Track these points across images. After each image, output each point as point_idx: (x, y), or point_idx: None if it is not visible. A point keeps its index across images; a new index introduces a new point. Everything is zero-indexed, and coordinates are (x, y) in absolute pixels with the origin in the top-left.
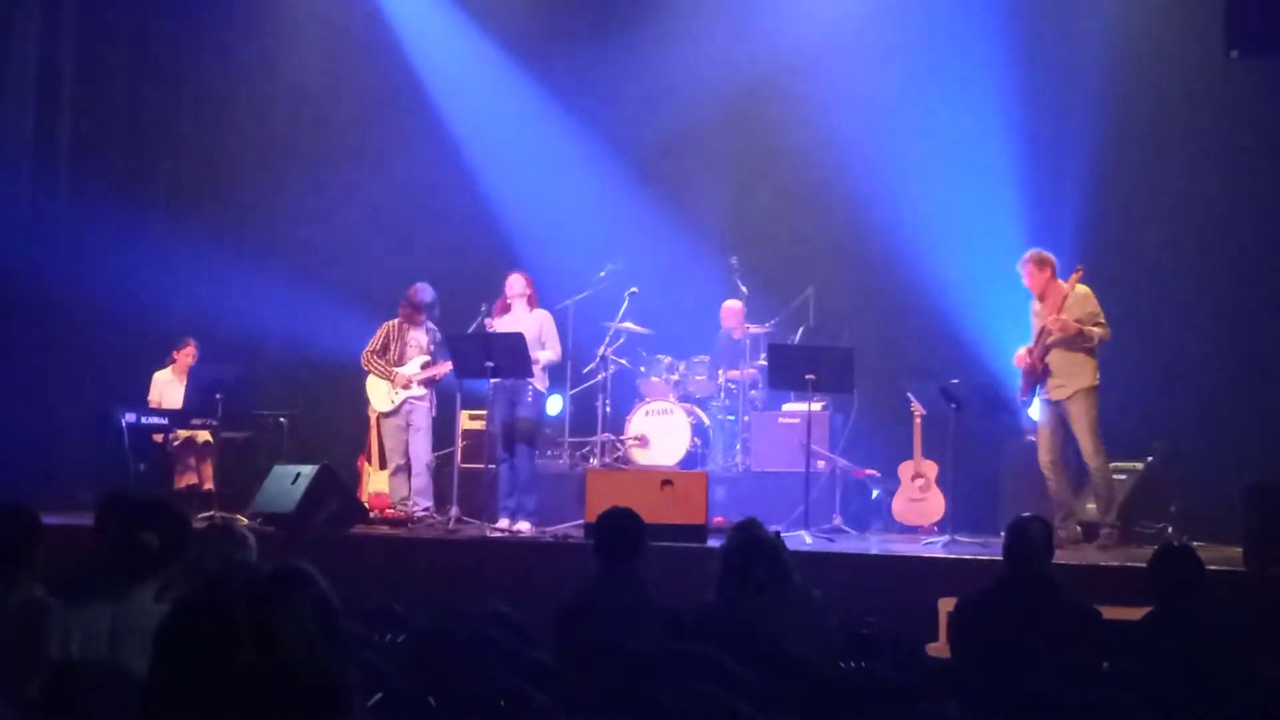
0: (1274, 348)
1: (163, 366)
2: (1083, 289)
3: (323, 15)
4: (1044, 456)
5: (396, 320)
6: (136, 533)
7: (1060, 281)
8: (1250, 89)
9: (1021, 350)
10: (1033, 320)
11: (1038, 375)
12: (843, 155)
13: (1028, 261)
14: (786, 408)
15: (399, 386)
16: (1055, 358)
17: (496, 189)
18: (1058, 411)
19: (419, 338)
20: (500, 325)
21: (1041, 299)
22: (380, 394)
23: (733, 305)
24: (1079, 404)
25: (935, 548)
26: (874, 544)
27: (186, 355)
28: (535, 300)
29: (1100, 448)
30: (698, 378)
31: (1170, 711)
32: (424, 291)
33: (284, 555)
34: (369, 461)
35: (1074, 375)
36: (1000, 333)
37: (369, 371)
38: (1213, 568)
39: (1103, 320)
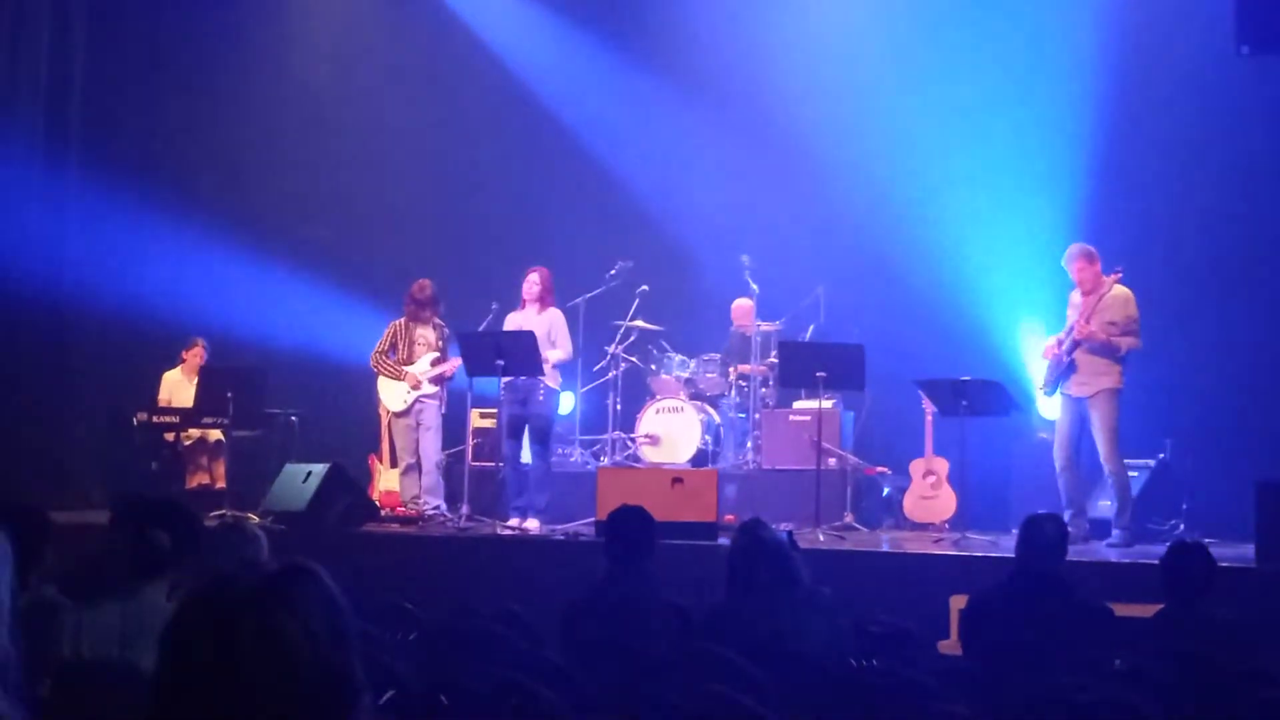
0: None
1: (172, 367)
2: (1123, 291)
3: (333, 13)
4: (1059, 452)
5: (403, 319)
6: (148, 532)
7: (1102, 278)
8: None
9: (1050, 340)
10: (1069, 312)
11: (1062, 368)
12: (854, 153)
13: (1078, 256)
14: (797, 405)
15: (412, 386)
16: (1083, 355)
17: (508, 186)
18: (1078, 409)
19: (427, 335)
20: (510, 324)
21: (1088, 293)
22: (393, 394)
23: (744, 303)
24: (1101, 405)
25: (946, 544)
26: (885, 542)
27: (195, 355)
28: (550, 300)
29: (1117, 451)
30: (708, 375)
31: (1182, 709)
32: (427, 287)
33: (295, 554)
34: (380, 460)
35: (1099, 375)
36: (1011, 330)
37: (379, 373)
38: (1224, 565)
39: (1137, 328)
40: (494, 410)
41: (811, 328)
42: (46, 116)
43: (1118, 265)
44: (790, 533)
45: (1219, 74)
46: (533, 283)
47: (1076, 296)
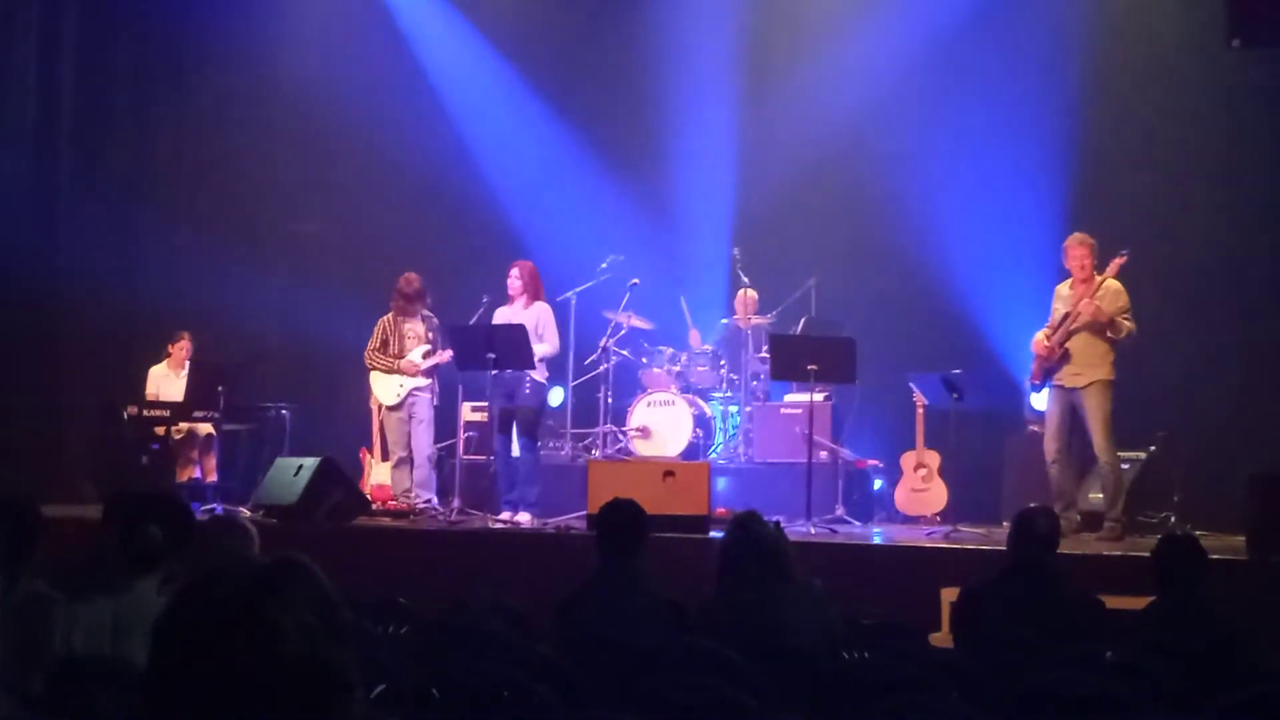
0: (1276, 336)
1: (158, 361)
2: (1116, 284)
3: (323, 9)
4: (1050, 444)
5: (390, 314)
6: (140, 526)
7: (1094, 274)
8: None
9: (1040, 334)
10: (1055, 305)
11: (1054, 360)
12: (845, 146)
13: (1082, 244)
14: (789, 398)
15: (410, 374)
16: (1076, 345)
17: (499, 180)
18: (1069, 400)
19: (416, 328)
20: (498, 320)
21: (1082, 283)
22: (385, 387)
23: (747, 295)
24: (1094, 396)
25: (938, 536)
26: (877, 534)
27: (181, 349)
28: (538, 293)
29: (1111, 442)
30: (700, 368)
31: (1173, 701)
32: (413, 281)
33: (286, 548)
34: (371, 454)
35: (1093, 365)
36: (1003, 322)
37: (373, 369)
38: (1215, 557)
39: (1130, 316)
40: (486, 404)
41: (803, 320)
42: (36, 113)
43: (1123, 249)
44: (777, 522)
45: (1211, 66)
46: (514, 277)
47: (1064, 289)
